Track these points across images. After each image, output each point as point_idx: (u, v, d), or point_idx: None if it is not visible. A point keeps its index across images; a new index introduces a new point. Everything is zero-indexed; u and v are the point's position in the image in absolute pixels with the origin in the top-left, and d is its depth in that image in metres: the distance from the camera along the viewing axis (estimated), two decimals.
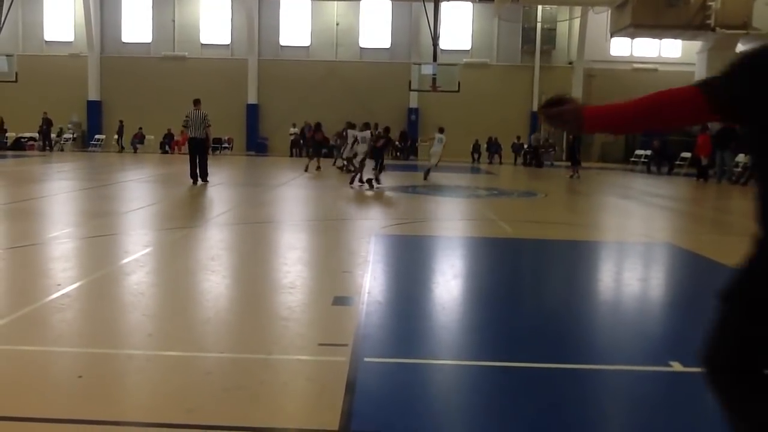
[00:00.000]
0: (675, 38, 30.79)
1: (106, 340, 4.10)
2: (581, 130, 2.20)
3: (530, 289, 6.23)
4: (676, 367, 3.78)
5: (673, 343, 4.43)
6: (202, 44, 34.46)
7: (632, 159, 28.66)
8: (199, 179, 15.07)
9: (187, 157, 15.82)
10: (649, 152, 27.21)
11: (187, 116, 15.41)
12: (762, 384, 1.95)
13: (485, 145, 30.99)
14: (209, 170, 15.48)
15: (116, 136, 32.57)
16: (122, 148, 32.24)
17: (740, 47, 28.46)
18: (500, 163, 29.20)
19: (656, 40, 32.13)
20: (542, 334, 4.53)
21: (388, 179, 16.40)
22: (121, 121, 32.69)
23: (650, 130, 2.19)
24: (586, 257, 7.94)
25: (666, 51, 33.35)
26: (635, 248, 8.61)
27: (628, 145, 32.04)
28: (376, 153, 15.60)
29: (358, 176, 15.46)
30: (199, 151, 15.24)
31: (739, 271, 1.99)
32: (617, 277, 6.90)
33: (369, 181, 15.05)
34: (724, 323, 2.02)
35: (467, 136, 30.00)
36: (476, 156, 31.57)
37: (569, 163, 22.20)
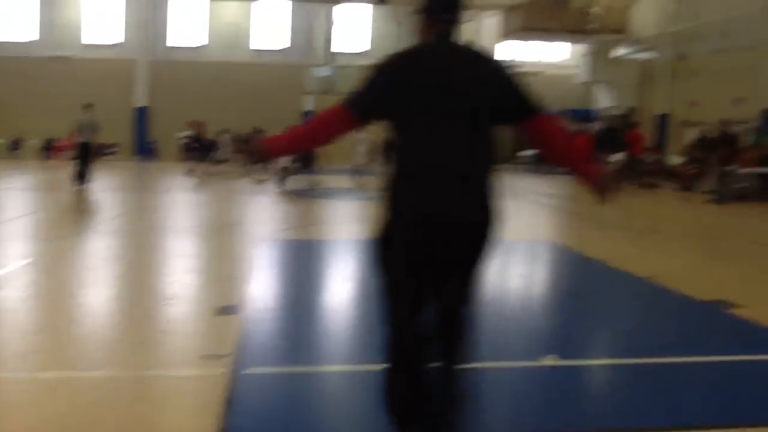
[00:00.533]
0: (561, 41, 32.19)
1: None
2: (266, 158, 2.66)
3: None
4: (552, 360, 3.99)
5: (550, 337, 4.68)
6: (87, 44, 32.98)
7: (517, 159, 29.75)
8: (83, 182, 14.59)
9: (71, 161, 15.22)
10: (533, 152, 28.27)
11: (78, 120, 15.08)
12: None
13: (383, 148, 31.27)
14: (91, 176, 14.98)
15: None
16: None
17: (620, 51, 30.16)
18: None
19: (544, 43, 33.47)
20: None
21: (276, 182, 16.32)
22: None
23: (318, 146, 2.82)
24: None
25: (551, 54, 34.75)
26: (517, 246, 8.97)
27: (516, 146, 33.17)
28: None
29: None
30: (86, 155, 14.80)
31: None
32: (502, 275, 7.18)
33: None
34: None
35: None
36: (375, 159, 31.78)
37: None
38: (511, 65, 2.72)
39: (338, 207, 13.40)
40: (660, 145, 25.55)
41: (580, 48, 32.10)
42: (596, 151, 21.89)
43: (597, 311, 5.59)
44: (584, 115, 30.77)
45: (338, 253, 8.12)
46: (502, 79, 2.64)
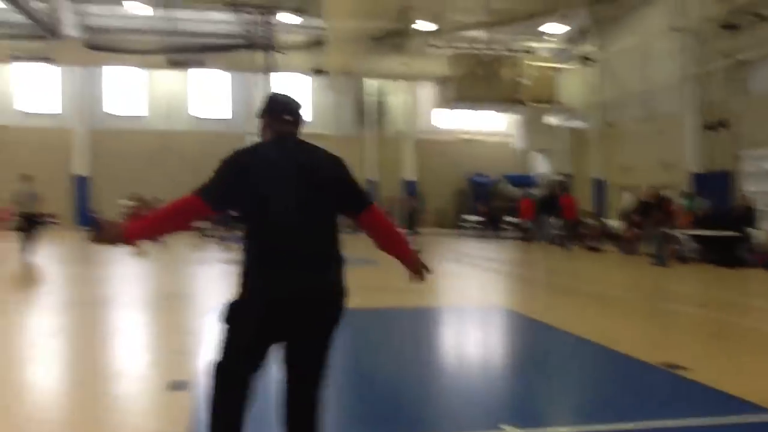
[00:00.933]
0: (492, 111, 33.31)
1: None
2: (123, 242, 2.80)
3: (366, 359, 6.33)
4: (507, 430, 4.00)
5: (504, 405, 4.70)
6: (21, 112, 32.39)
7: (461, 224, 30.23)
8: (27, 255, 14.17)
9: (11, 233, 14.95)
10: (479, 217, 28.84)
11: (16, 191, 14.79)
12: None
13: None
14: (34, 248, 14.56)
15: None
16: None
17: (549, 119, 31.38)
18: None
19: (481, 113, 34.55)
20: (378, 402, 4.63)
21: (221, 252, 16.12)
22: None
23: (176, 230, 3.00)
24: (424, 324, 8.21)
25: (491, 123, 35.85)
26: (469, 313, 9.05)
27: (460, 212, 33.81)
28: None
29: None
30: (29, 227, 14.46)
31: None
32: (451, 342, 7.22)
33: None
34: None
35: None
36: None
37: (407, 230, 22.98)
38: (344, 161, 3.07)
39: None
40: (598, 210, 26.40)
41: (515, 116, 33.29)
42: (538, 215, 22.61)
43: (552, 377, 5.64)
44: (524, 181, 31.68)
45: None
46: (339, 172, 3.00)
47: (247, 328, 2.80)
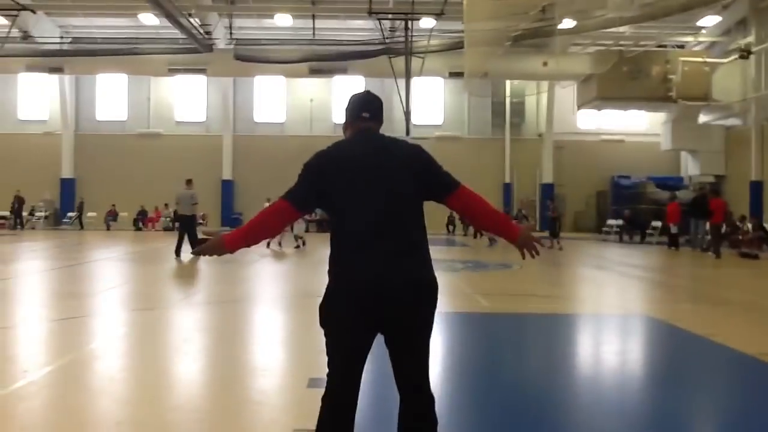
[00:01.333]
0: (639, 110, 31.75)
1: (74, 431, 3.96)
2: (224, 251, 2.92)
3: (508, 365, 6.17)
4: None
5: (652, 418, 4.40)
6: (177, 122, 34.80)
7: (604, 228, 29.04)
8: (181, 256, 15.57)
9: (161, 233, 16.46)
10: (620, 221, 27.63)
11: (177, 194, 16.63)
12: None
13: (459, 218, 31.26)
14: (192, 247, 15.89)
15: (76, 214, 32.37)
16: (81, 226, 31.92)
17: (702, 118, 29.45)
18: (474, 235, 29.35)
19: (622, 112, 33.10)
20: (522, 412, 4.48)
21: None
22: (81, 201, 32.67)
23: (272, 235, 3.18)
24: (564, 331, 7.93)
25: (632, 123, 34.31)
26: (612, 321, 8.64)
27: (600, 215, 32.54)
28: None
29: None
30: (187, 228, 15.70)
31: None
32: (595, 351, 6.90)
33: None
34: None
35: (442, 209, 30.17)
36: (451, 228, 31.79)
37: (548, 235, 22.41)
38: (423, 149, 3.09)
39: None
40: (757, 214, 24.46)
41: (661, 115, 31.59)
42: (686, 219, 21.32)
43: (699, 390, 5.25)
44: (670, 183, 30.02)
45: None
46: (419, 160, 3.02)
47: (340, 324, 2.83)
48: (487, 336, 7.49)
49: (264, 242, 18.33)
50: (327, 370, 2.92)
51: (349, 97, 3.22)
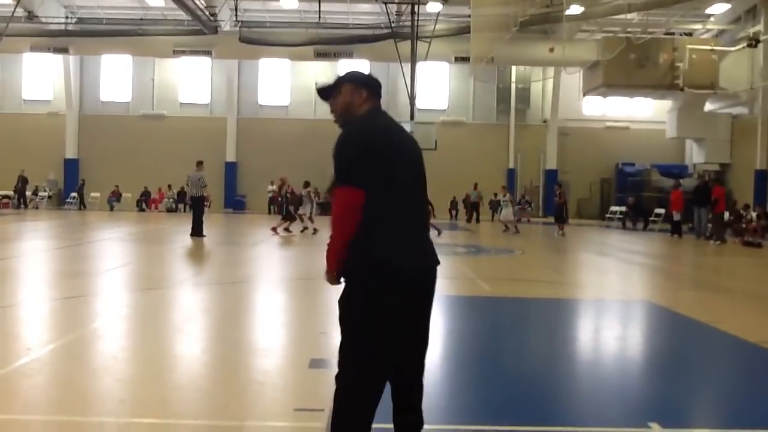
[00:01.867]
0: (645, 97, 31.61)
1: (77, 407, 3.99)
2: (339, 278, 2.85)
3: (509, 349, 6.19)
4: (655, 428, 3.75)
5: (653, 403, 4.41)
6: (180, 103, 34.75)
7: (607, 215, 29.02)
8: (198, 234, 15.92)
9: (164, 214, 16.84)
10: (623, 208, 27.59)
11: (188, 176, 17.06)
12: None
13: (463, 203, 31.26)
14: (202, 228, 16.24)
15: (75, 195, 32.43)
16: (83, 206, 31.99)
17: (708, 106, 29.31)
18: (477, 220, 29.37)
19: (628, 100, 32.95)
20: (523, 395, 4.50)
21: None
22: (83, 180, 32.73)
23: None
24: (565, 316, 7.94)
25: (638, 110, 34.18)
26: (614, 306, 8.65)
27: (603, 202, 32.50)
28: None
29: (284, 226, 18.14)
30: (195, 209, 16.27)
31: None
32: (596, 336, 6.91)
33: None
34: None
35: (445, 194, 30.24)
36: (454, 213, 31.80)
37: (554, 221, 22.41)
38: None
39: None
40: (761, 203, 24.40)
41: (664, 104, 31.47)
42: (689, 207, 21.30)
43: (701, 377, 5.26)
44: (674, 171, 29.96)
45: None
46: (420, 153, 3.06)
47: (394, 316, 2.74)
48: (488, 320, 7.51)
49: (270, 227, 18.32)
50: (351, 368, 2.78)
51: (364, 73, 3.10)
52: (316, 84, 3.21)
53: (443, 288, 9.61)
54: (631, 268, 13.54)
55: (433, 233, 17.50)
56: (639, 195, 28.41)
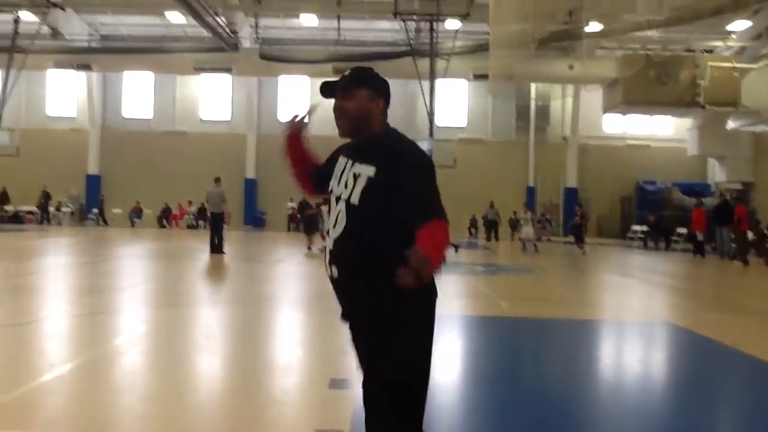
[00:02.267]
0: (666, 115, 31.43)
1: (99, 425, 4.02)
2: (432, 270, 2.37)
3: (528, 371, 6.14)
4: None
5: (675, 427, 4.36)
6: (201, 120, 35.08)
7: (628, 234, 28.78)
8: (215, 252, 16.04)
9: (185, 231, 16.84)
10: (645, 227, 27.36)
11: (207, 192, 17.14)
12: None
13: (482, 221, 31.14)
14: (223, 244, 16.39)
15: (96, 211, 32.75)
16: (105, 222, 32.29)
17: (730, 123, 29.08)
18: (496, 239, 29.23)
19: (649, 117, 32.77)
20: (543, 419, 4.46)
21: None
22: (102, 197, 33.06)
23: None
24: (585, 337, 7.87)
25: (659, 127, 33.99)
26: (635, 327, 8.56)
27: (624, 220, 32.26)
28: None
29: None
30: (215, 225, 16.29)
31: None
32: (617, 358, 6.84)
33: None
34: None
35: (463, 212, 30.19)
36: (473, 231, 31.71)
37: (573, 240, 22.27)
38: None
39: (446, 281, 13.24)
40: None
41: (688, 121, 31.27)
42: (712, 226, 21.08)
43: (723, 399, 5.18)
44: (696, 189, 29.70)
45: (443, 329, 7.96)
46: None
47: (432, 330, 2.72)
48: (507, 340, 7.46)
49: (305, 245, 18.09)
50: (413, 394, 2.63)
51: (379, 75, 2.79)
52: (323, 83, 2.81)
53: (461, 307, 9.61)
54: (653, 288, 13.40)
55: (450, 251, 17.10)
56: (660, 214, 28.17)
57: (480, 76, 29.53)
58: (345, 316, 2.78)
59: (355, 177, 2.59)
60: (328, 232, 2.67)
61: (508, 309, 9.33)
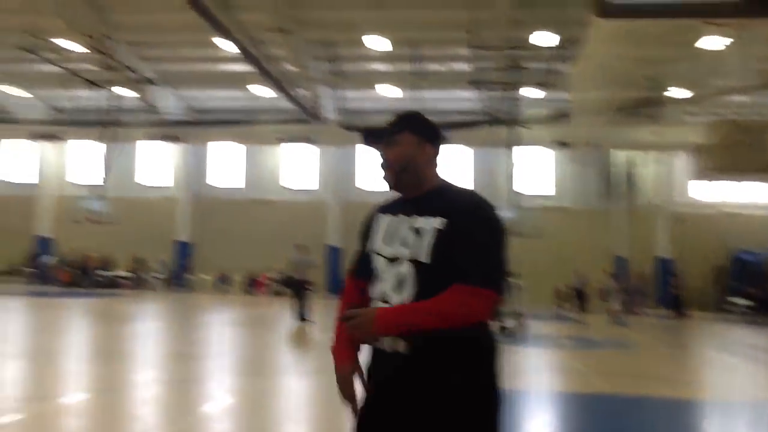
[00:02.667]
0: (758, 182, 30.08)
1: None
2: (374, 332, 2.16)
3: None
4: None
5: None
6: (286, 188, 35.95)
7: (726, 307, 27.25)
8: (301, 319, 15.85)
9: (270, 298, 16.90)
10: (747, 300, 25.79)
11: (292, 259, 17.16)
12: None
13: (569, 292, 30.13)
14: (309, 313, 16.17)
15: (185, 277, 33.67)
16: (193, 288, 33.16)
17: None
18: (585, 310, 28.14)
19: (746, 183, 31.43)
20: None
21: None
22: (190, 264, 34.12)
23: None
24: (690, 419, 7.34)
25: (755, 193, 32.50)
26: (743, 409, 7.94)
27: (719, 292, 30.65)
28: None
29: None
30: (300, 293, 16.22)
31: None
32: None
33: None
34: None
35: (548, 282, 29.42)
36: (560, 303, 30.71)
37: (670, 311, 21.29)
38: None
39: (520, 354, 12.78)
40: None
41: None
42: None
43: None
44: None
45: (533, 407, 7.59)
46: None
47: None
48: (603, 421, 7.02)
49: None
50: None
51: (427, 118, 2.51)
52: (364, 129, 2.58)
53: (551, 383, 9.19)
54: (760, 367, 12.52)
55: (497, 328, 16.55)
56: (763, 285, 26.62)
57: (562, 144, 29.28)
58: (378, 401, 2.26)
59: (418, 232, 2.21)
60: (381, 298, 2.25)
61: (603, 386, 8.85)
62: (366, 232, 2.48)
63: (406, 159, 2.35)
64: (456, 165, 33.89)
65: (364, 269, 2.39)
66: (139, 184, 36.46)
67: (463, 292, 2.08)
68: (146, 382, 7.89)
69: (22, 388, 7.34)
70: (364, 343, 2.24)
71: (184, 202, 35.67)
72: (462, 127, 30.19)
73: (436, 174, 2.39)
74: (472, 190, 2.32)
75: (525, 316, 16.35)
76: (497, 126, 28.70)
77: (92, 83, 26.09)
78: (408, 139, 2.37)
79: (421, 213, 2.25)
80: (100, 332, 13.61)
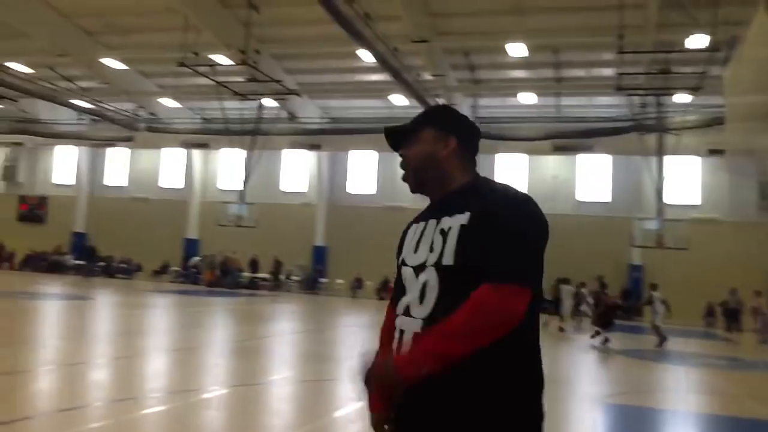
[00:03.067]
0: None
1: None
2: (400, 382, 1.80)
3: None
4: None
5: None
6: (415, 196, 36.14)
7: None
8: None
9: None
10: None
11: None
12: None
13: (721, 309, 28.11)
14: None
15: (321, 281, 34.59)
16: (326, 292, 34.04)
17: None
18: (739, 330, 26.08)
19: None
20: None
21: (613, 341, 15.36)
22: (320, 269, 35.00)
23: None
24: None
25: None
26: None
27: None
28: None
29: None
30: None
31: None
32: None
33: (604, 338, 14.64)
34: None
35: (698, 298, 27.61)
36: (710, 320, 28.72)
37: None
38: None
39: (668, 372, 12.01)
40: None
41: None
42: None
43: None
44: None
45: (685, 430, 7.10)
46: None
47: None
48: None
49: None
50: None
51: (453, 110, 2.26)
52: (385, 129, 2.26)
53: (699, 404, 8.57)
54: None
55: (594, 336, 15.53)
56: None
57: (714, 152, 27.45)
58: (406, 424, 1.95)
59: (444, 233, 1.95)
60: (404, 312, 2.01)
61: (758, 410, 8.14)
62: (398, 248, 2.21)
63: (423, 155, 2.12)
64: (593, 172, 32.77)
65: (397, 290, 2.12)
66: (281, 191, 38.03)
67: (486, 294, 1.77)
68: (284, 380, 8.14)
69: (166, 381, 7.79)
70: (398, 396, 1.85)
71: (321, 208, 36.81)
72: (604, 134, 29.09)
73: (467, 170, 2.13)
74: (506, 184, 2.07)
75: (662, 329, 15.42)
76: (643, 133, 27.36)
77: (239, 94, 27.47)
78: (428, 134, 2.12)
79: (448, 213, 2.00)
80: (239, 330, 14.25)
